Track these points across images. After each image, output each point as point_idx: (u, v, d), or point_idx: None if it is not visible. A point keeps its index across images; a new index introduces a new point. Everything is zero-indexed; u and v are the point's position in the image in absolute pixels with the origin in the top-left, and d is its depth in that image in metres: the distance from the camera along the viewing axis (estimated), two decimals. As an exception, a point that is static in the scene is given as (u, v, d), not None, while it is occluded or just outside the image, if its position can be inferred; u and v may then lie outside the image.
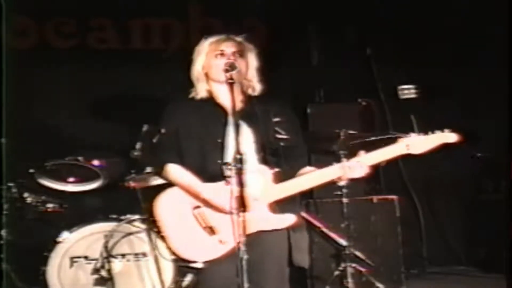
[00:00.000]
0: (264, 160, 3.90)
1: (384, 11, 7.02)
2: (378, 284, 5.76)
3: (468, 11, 6.96)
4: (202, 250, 3.84)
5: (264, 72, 4.02)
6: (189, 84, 4.04)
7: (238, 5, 6.81)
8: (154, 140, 4.19)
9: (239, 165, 3.59)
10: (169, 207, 3.90)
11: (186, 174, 3.88)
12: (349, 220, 5.73)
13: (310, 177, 3.90)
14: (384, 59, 7.07)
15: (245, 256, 3.53)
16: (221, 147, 3.86)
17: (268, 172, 3.86)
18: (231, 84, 3.76)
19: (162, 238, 3.93)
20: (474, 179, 7.28)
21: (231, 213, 3.62)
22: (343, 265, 5.68)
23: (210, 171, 3.84)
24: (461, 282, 6.68)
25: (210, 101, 3.98)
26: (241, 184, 3.58)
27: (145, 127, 5.05)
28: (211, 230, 3.84)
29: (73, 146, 6.14)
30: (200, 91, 3.99)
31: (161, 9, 6.82)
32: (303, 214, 4.06)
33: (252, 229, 3.72)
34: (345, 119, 6.15)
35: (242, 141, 3.67)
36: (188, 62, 4.04)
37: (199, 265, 3.85)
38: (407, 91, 6.91)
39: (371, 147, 3.94)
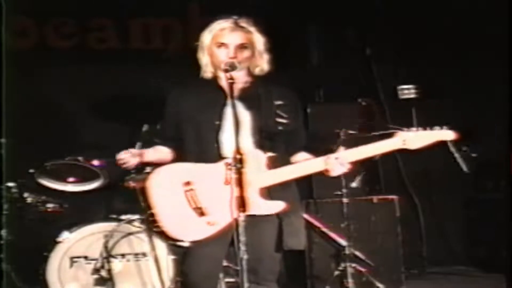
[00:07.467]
0: (260, 144, 3.86)
1: (384, 11, 7.01)
2: (378, 284, 5.77)
3: (468, 11, 6.95)
4: (189, 230, 3.81)
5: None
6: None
7: (238, 5, 6.80)
8: (158, 127, 4.24)
9: (239, 165, 3.59)
10: (161, 184, 3.88)
11: (156, 152, 4.04)
12: (349, 220, 5.75)
13: (298, 167, 3.86)
14: (384, 59, 7.06)
15: (245, 256, 3.52)
16: (218, 129, 3.86)
17: (262, 156, 3.81)
18: (231, 84, 3.76)
19: (151, 214, 3.89)
20: (474, 179, 7.27)
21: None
22: (343, 265, 5.69)
23: (208, 153, 3.84)
24: (461, 282, 6.68)
25: (213, 83, 3.98)
26: (241, 184, 3.58)
27: (145, 127, 5.04)
28: (200, 212, 3.82)
29: (73, 146, 6.14)
30: (205, 71, 4.00)
31: (161, 9, 6.82)
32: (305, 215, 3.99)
33: None
34: (345, 119, 6.15)
35: (241, 133, 3.67)
36: (187, 62, 4.06)
37: (185, 244, 3.84)
38: (407, 91, 6.89)
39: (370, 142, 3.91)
